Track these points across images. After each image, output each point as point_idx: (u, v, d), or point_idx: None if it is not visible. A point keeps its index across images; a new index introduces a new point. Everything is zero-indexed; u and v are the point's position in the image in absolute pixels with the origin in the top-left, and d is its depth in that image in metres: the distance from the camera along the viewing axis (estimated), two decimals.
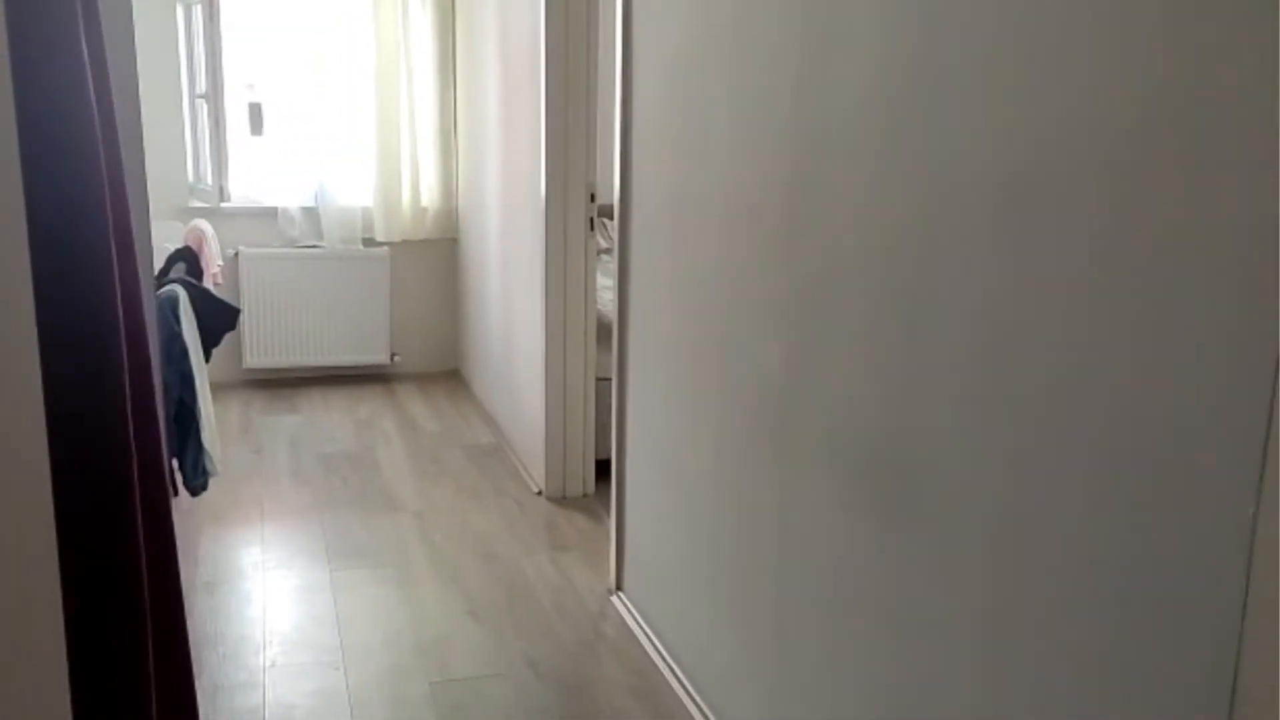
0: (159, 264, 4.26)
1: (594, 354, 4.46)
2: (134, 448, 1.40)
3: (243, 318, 5.84)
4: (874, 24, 1.96)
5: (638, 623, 3.33)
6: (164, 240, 4.99)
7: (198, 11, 5.44)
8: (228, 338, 5.85)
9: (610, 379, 3.54)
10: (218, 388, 5.80)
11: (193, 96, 5.64)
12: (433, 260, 6.20)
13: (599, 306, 4.53)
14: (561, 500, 4.43)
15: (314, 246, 5.91)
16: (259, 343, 5.91)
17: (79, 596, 1.30)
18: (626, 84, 3.28)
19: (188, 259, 4.27)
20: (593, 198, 4.23)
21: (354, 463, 4.85)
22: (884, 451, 1.97)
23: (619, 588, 3.55)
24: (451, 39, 5.90)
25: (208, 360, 3.88)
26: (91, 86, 1.26)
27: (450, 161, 6.05)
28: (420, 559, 3.84)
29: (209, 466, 3.70)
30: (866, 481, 2.03)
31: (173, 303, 3.53)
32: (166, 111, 5.61)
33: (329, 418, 5.50)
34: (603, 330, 4.46)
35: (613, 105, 3.36)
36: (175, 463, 3.74)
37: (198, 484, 3.68)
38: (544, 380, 4.42)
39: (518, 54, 4.62)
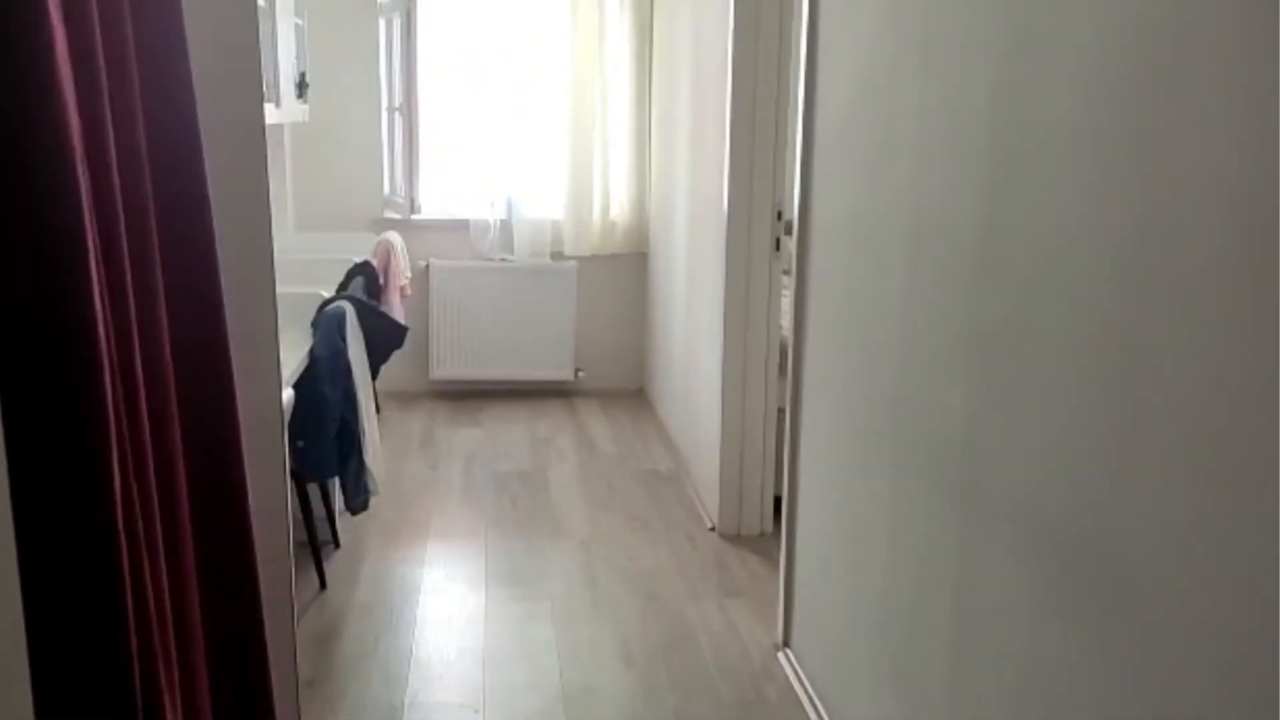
0: (335, 277, 4.25)
1: (776, 382, 4.15)
2: (128, 462, 1.23)
3: (431, 328, 5.86)
4: (1089, 16, 1.59)
5: (804, 686, 3.00)
6: (356, 252, 5.03)
7: (396, 23, 5.48)
8: (415, 346, 5.93)
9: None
10: (403, 397, 5.84)
11: (390, 109, 5.70)
12: (621, 275, 6.04)
13: (783, 331, 4.22)
14: (735, 538, 4.14)
15: (503, 260, 5.86)
16: (446, 354, 5.91)
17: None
18: (810, 95, 2.98)
19: (366, 274, 4.24)
20: (780, 215, 3.93)
21: (526, 482, 4.73)
22: (1086, 534, 1.60)
23: (786, 643, 3.23)
24: (648, 49, 5.73)
25: (375, 377, 3.82)
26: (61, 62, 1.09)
27: (643, 174, 5.88)
28: (580, 593, 3.64)
29: (370, 485, 3.63)
30: (1062, 567, 1.66)
31: (338, 319, 3.48)
32: (365, 124, 5.69)
33: (508, 433, 5.42)
34: (786, 357, 4.16)
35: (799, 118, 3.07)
36: (337, 481, 3.69)
37: (358, 503, 3.62)
38: (721, 407, 4.15)
39: (708, 63, 4.38)
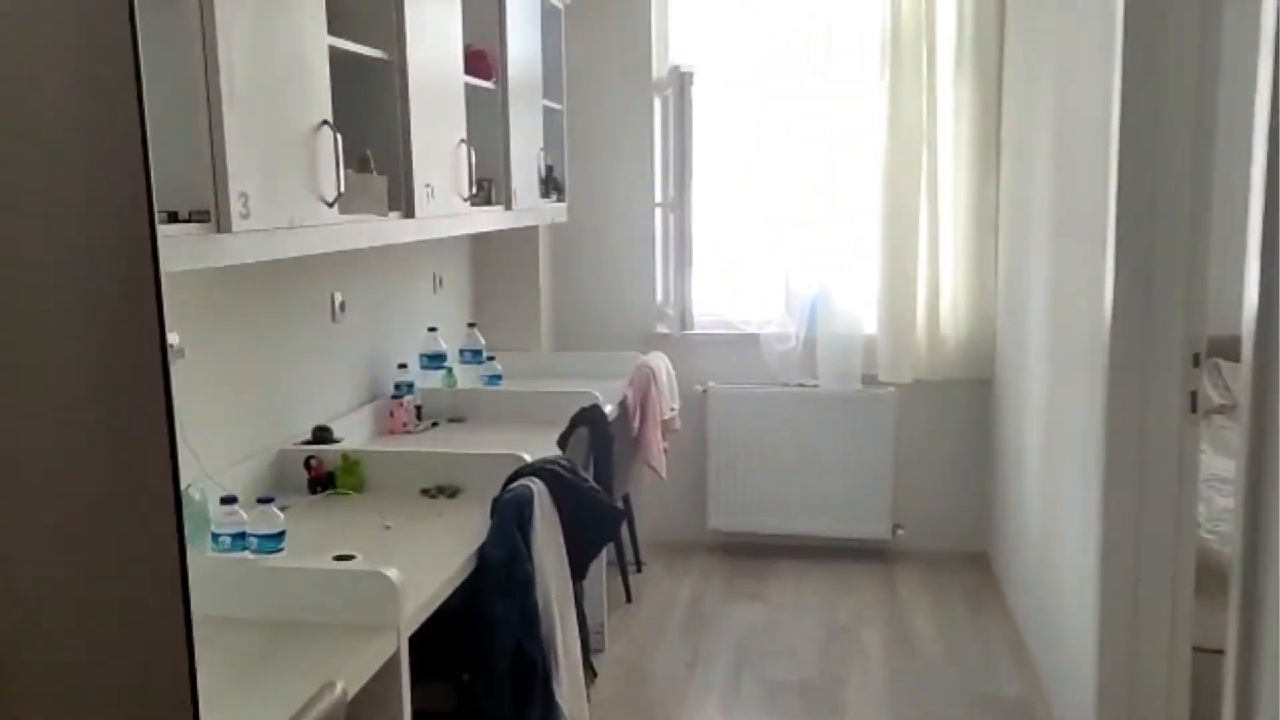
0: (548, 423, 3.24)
1: (1190, 605, 2.67)
2: None
3: (709, 468, 4.75)
4: None
5: None
6: (617, 374, 4.06)
7: (671, 101, 4.52)
8: (690, 487, 4.87)
9: (1222, 652, 1.83)
10: (674, 549, 4.75)
11: (665, 204, 4.73)
12: (956, 407, 4.66)
13: (1205, 535, 2.73)
14: None
15: (801, 385, 4.67)
16: (727, 500, 4.77)
17: None
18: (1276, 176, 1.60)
19: (593, 423, 3.22)
20: (1197, 360, 2.48)
21: (810, 703, 3.45)
22: None
23: None
24: (995, 126, 4.40)
25: (580, 578, 2.74)
26: None
27: (986, 277, 4.51)
28: None
29: None
30: None
31: (518, 506, 2.44)
32: (637, 222, 4.74)
33: (798, 615, 4.16)
34: (1208, 569, 2.67)
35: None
36: None
37: None
38: (1098, 626, 2.72)
39: (1081, 133, 3.03)
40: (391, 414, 3.44)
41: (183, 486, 2.23)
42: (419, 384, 3.60)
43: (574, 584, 2.69)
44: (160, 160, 1.77)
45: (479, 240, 4.49)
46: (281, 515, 2.06)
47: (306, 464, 2.79)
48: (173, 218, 1.85)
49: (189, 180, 1.88)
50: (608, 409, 3.54)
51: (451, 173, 3.07)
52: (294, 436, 2.94)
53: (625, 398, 3.86)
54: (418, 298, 3.88)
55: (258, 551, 2.02)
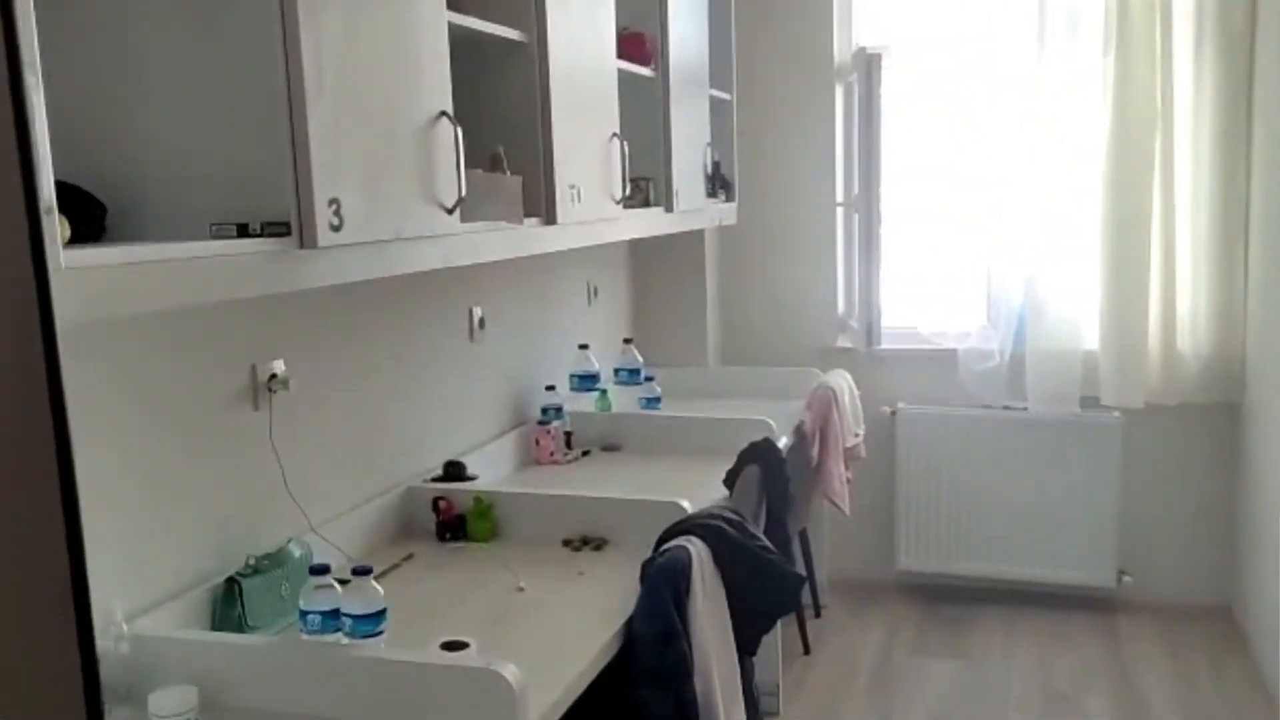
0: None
1: None
2: None
3: (898, 500, 4.20)
4: None
5: None
6: (793, 394, 3.62)
7: (855, 90, 4.01)
8: (876, 522, 4.32)
9: None
10: (858, 592, 4.23)
11: (847, 204, 4.22)
12: (1196, 435, 3.96)
13: None
14: None
15: (1007, 408, 4.07)
16: (918, 537, 4.21)
17: None
18: None
19: (766, 462, 2.75)
20: None
21: None
22: None
23: None
24: (1245, 107, 3.70)
25: (750, 652, 2.28)
26: None
27: (1233, 286, 3.80)
28: None
29: None
30: None
31: (674, 574, 2.01)
32: (817, 225, 4.24)
33: (1006, 676, 3.58)
34: None
35: None
36: None
37: None
38: None
39: None
40: (538, 442, 3.07)
41: (283, 542, 1.91)
42: (569, 408, 3.22)
43: (741, 662, 2.24)
44: (226, 163, 1.42)
45: (638, 246, 4.09)
46: (381, 591, 1.70)
47: (435, 505, 2.45)
48: (242, 231, 1.51)
49: (263, 186, 1.53)
50: (782, 441, 3.08)
51: (602, 171, 2.67)
52: (424, 472, 2.61)
53: (803, 423, 3.39)
54: (569, 311, 3.51)
55: (352, 635, 1.66)
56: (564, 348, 3.41)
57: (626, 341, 3.60)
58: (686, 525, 2.20)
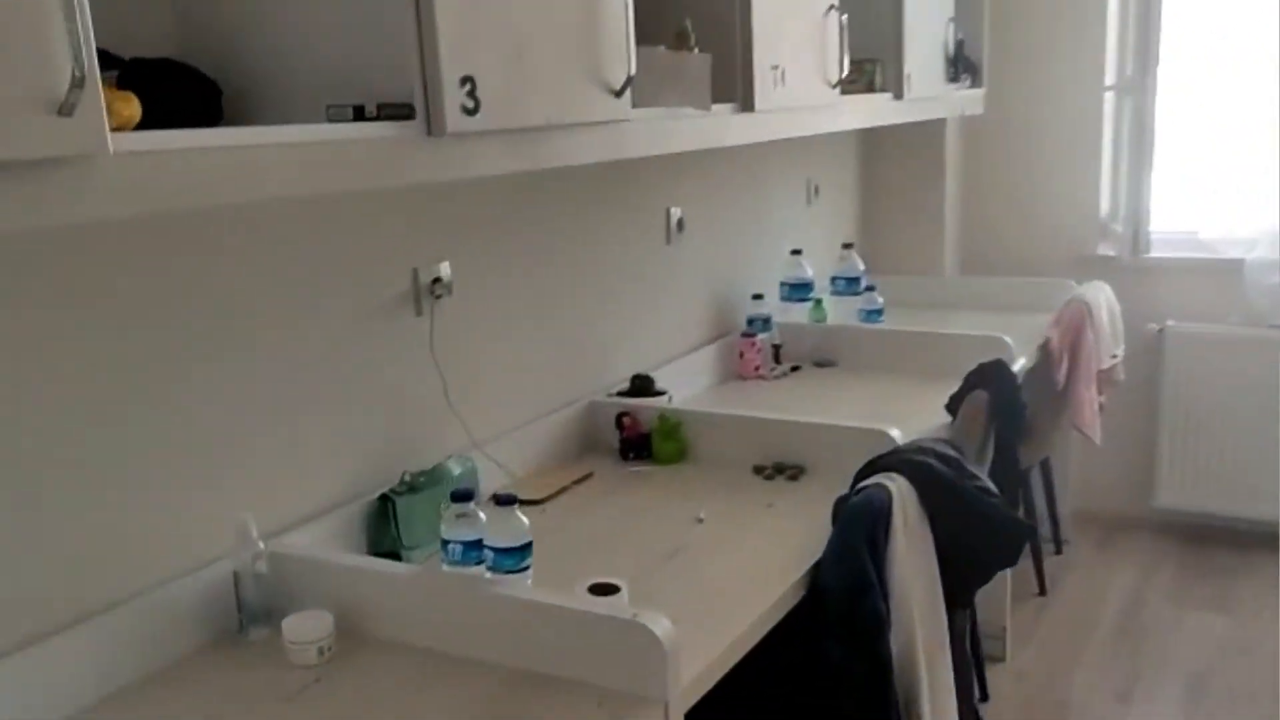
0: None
1: None
2: None
3: (1160, 430, 3.69)
4: None
5: None
6: (1044, 307, 3.23)
7: None
8: (1133, 453, 3.78)
9: None
10: (1108, 529, 3.79)
11: (1118, 88, 3.64)
12: None
13: None
14: None
15: None
16: (1182, 471, 3.69)
17: None
18: None
19: (998, 386, 2.39)
20: None
21: None
22: None
23: None
24: None
25: (963, 606, 1.98)
26: None
27: None
28: None
29: None
30: None
31: (870, 517, 1.74)
32: (1078, 115, 3.70)
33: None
34: None
35: None
36: None
37: None
38: None
39: None
40: (742, 355, 2.82)
41: (443, 459, 1.77)
42: (778, 319, 2.95)
43: (951, 617, 1.95)
44: (344, 37, 1.22)
45: (869, 138, 3.70)
46: (527, 523, 1.52)
47: (618, 421, 2.26)
48: (359, 115, 1.32)
49: (385, 61, 1.33)
50: (1020, 362, 2.69)
51: (814, 50, 2.33)
52: (609, 386, 2.42)
53: (1049, 341, 2.97)
54: (783, 212, 3.20)
55: (494, 568, 1.50)
56: (775, 253, 3.12)
57: (846, 247, 3.26)
58: (891, 460, 1.91)
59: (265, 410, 1.65)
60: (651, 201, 2.57)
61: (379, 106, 1.32)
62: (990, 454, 2.46)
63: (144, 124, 1.12)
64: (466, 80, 1.37)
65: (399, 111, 1.32)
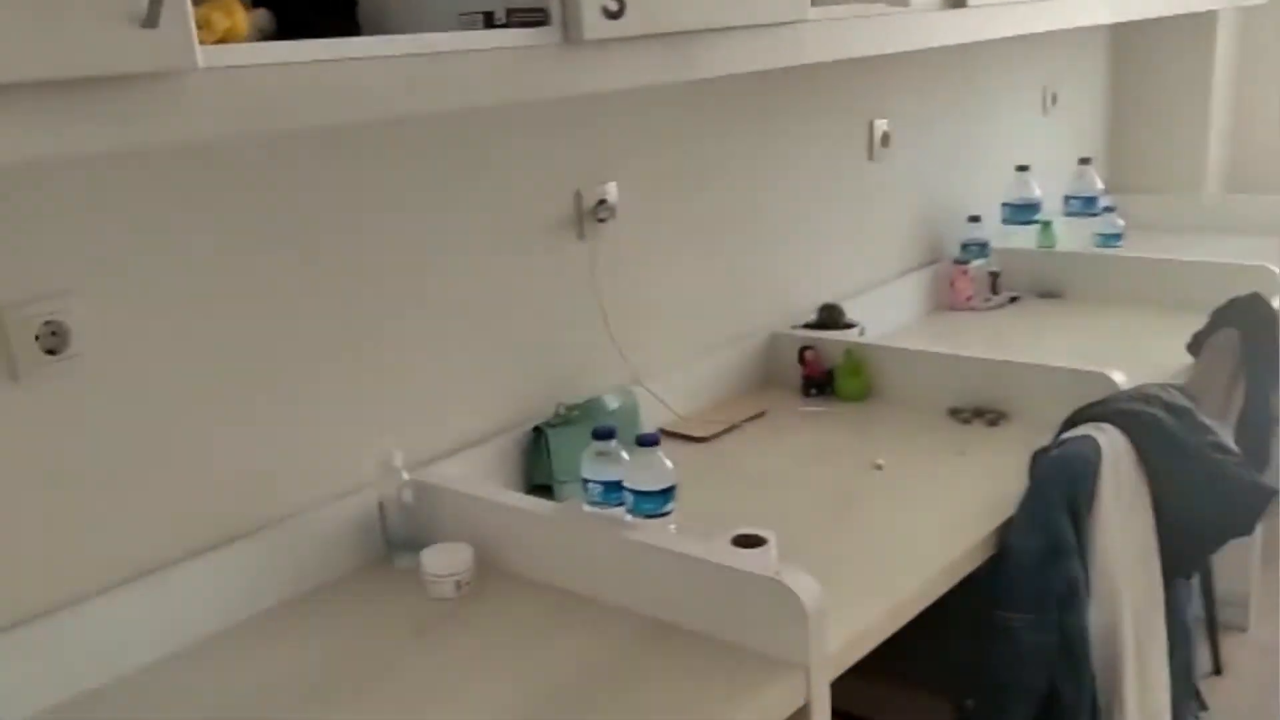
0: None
1: None
2: None
3: None
4: None
5: None
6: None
7: None
8: None
9: None
10: None
11: None
12: None
13: None
14: None
15: None
16: None
17: None
18: None
19: (1251, 322, 2.06)
20: None
21: None
22: None
23: None
24: None
25: (1184, 577, 1.73)
26: None
27: None
28: None
29: None
30: None
31: (1070, 473, 1.53)
32: None
33: None
34: None
35: None
36: None
37: None
38: None
39: None
40: (953, 284, 2.59)
41: (600, 392, 1.70)
42: (996, 244, 2.68)
43: (1169, 587, 1.70)
44: None
45: (1121, 36, 3.29)
46: (670, 465, 1.42)
47: (801, 356, 2.11)
48: (489, 22, 1.22)
49: None
50: None
51: None
52: (797, 316, 2.26)
53: None
54: (1010, 124, 2.89)
55: (634, 512, 1.41)
56: (997, 170, 2.83)
57: (1083, 162, 2.91)
58: (1104, 409, 1.67)
59: (422, 338, 1.61)
60: (851, 112, 2.36)
61: (509, 11, 1.21)
62: (1238, 405, 2.15)
63: (279, 35, 1.06)
64: None
65: (531, 17, 1.21)
